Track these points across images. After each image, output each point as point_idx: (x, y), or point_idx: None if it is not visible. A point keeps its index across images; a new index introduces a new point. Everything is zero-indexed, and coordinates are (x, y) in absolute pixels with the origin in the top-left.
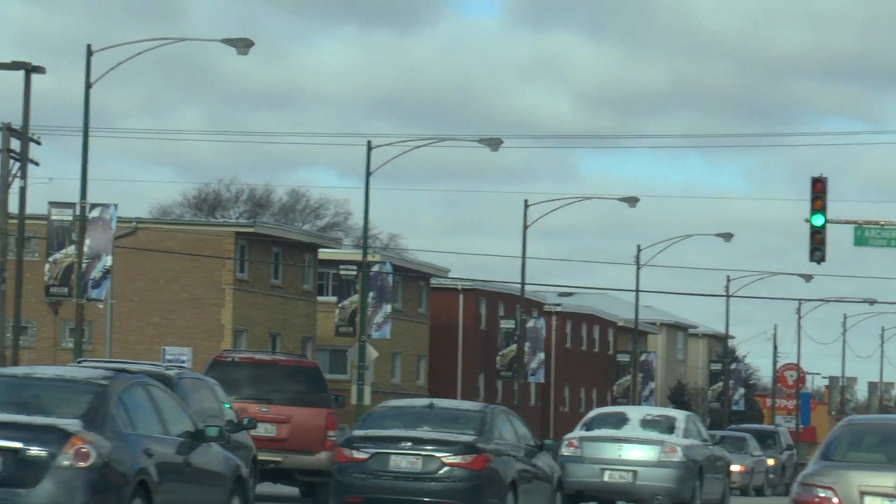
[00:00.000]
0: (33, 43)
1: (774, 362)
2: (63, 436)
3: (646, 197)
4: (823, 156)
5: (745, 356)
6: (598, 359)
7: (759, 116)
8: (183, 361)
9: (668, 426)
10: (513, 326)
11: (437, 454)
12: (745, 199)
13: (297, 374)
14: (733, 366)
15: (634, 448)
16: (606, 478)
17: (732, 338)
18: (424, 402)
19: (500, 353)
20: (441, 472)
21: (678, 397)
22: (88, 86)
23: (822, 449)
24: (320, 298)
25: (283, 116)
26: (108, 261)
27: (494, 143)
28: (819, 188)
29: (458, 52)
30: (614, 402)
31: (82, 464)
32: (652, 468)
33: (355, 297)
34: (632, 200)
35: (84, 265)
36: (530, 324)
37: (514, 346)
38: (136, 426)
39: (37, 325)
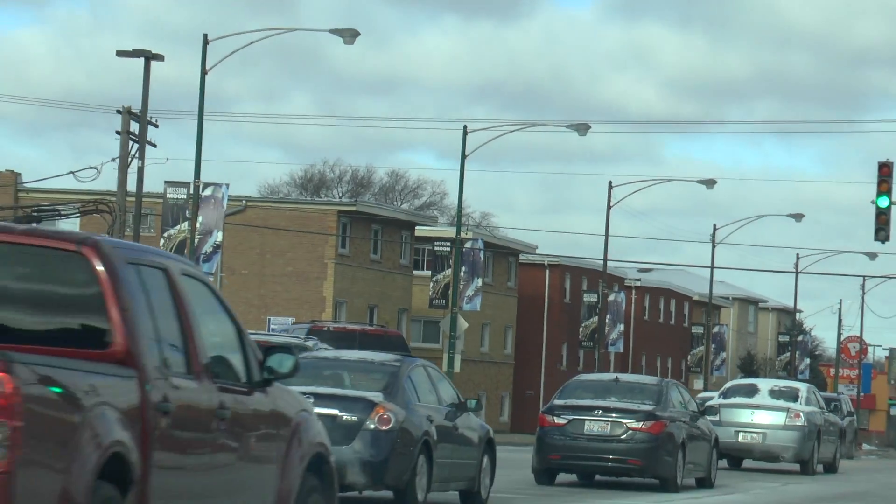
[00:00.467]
0: (154, 32)
1: (839, 335)
2: (369, 405)
3: (724, 179)
4: (894, 141)
5: (811, 329)
6: (673, 330)
7: (836, 104)
8: (286, 331)
9: (793, 396)
10: (595, 300)
11: (623, 420)
12: (818, 181)
13: (384, 342)
14: (800, 338)
15: (764, 413)
16: (740, 438)
17: (800, 311)
18: (611, 376)
19: (583, 325)
20: (625, 435)
21: (747, 367)
22: (204, 72)
23: None
24: (416, 273)
25: (386, 102)
26: (218, 236)
27: (582, 129)
28: (885, 172)
29: (553, 42)
30: (688, 371)
31: (385, 427)
32: (779, 431)
33: (448, 272)
34: (710, 183)
35: (196, 240)
36: (611, 297)
37: (595, 318)
38: (419, 398)
39: None
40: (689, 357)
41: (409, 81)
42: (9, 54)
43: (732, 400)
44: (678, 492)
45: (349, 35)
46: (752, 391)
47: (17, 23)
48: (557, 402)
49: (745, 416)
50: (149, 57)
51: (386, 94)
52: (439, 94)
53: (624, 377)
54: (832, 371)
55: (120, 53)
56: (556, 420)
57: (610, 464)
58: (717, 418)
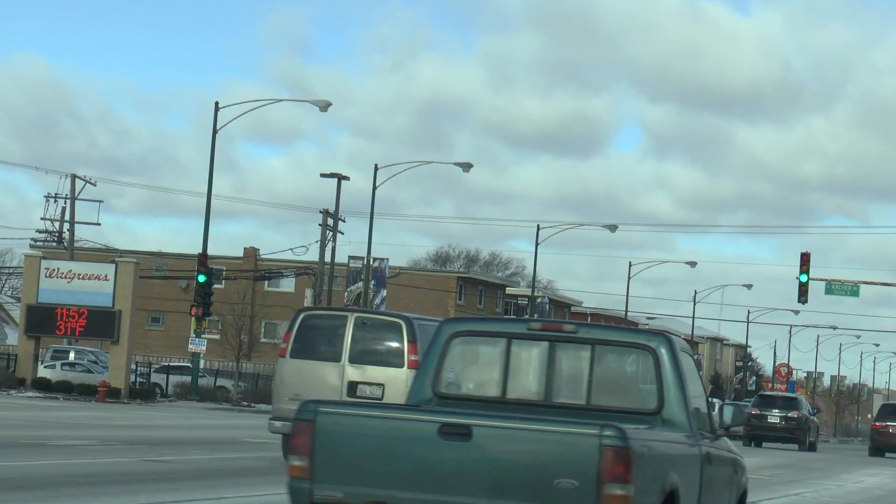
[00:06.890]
0: (348, 160)
1: (774, 361)
2: None
3: (703, 262)
4: (819, 241)
5: (757, 358)
6: None
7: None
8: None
9: None
10: None
11: None
12: (771, 264)
13: None
14: (749, 363)
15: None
16: None
17: (750, 347)
18: None
19: None
20: None
21: (715, 383)
22: (375, 187)
23: None
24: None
25: (497, 208)
26: (383, 293)
27: (612, 227)
28: (805, 258)
29: (605, 172)
30: None
31: None
32: None
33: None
34: (692, 263)
35: (371, 294)
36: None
37: None
38: None
39: None
40: None
41: (509, 196)
42: (264, 173)
43: None
44: None
45: (466, 166)
46: None
47: (270, 154)
48: None
49: None
50: (340, 177)
51: (497, 203)
52: (529, 205)
53: None
54: (770, 385)
55: (322, 175)
56: None
57: None
58: None
